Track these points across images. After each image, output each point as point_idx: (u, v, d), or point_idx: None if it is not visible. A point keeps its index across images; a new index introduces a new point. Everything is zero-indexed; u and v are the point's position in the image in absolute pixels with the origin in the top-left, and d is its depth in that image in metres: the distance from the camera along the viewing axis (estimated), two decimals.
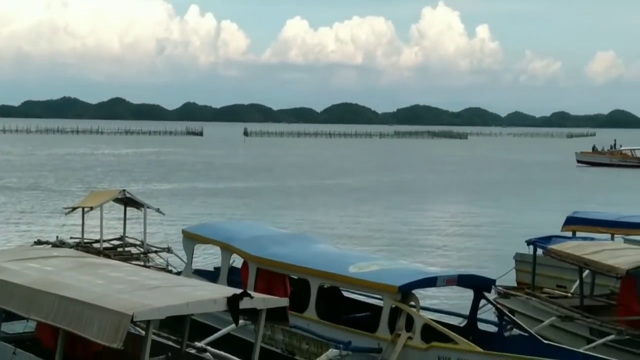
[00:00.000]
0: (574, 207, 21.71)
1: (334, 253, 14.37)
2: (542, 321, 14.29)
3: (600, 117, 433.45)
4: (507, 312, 13.26)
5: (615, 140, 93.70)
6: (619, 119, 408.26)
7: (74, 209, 21.42)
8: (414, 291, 12.12)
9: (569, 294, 15.84)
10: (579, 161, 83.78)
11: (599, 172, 73.02)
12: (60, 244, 20.05)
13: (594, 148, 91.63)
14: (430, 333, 11.69)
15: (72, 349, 9.59)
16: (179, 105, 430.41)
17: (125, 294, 8.65)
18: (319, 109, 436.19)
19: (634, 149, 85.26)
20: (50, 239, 21.44)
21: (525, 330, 12.39)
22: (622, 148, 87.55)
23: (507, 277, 17.60)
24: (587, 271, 14.79)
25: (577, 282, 15.06)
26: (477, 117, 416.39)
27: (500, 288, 15.71)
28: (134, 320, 8.03)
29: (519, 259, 18.66)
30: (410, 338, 11.63)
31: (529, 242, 15.82)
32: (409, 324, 11.76)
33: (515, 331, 12.75)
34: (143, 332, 9.03)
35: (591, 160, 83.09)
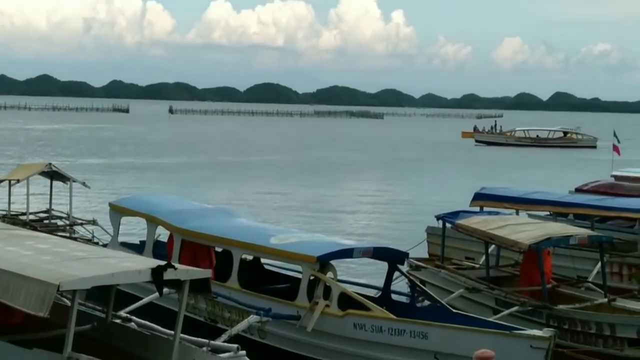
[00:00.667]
0: (482, 183, 22.20)
1: (255, 226, 14.65)
2: (451, 292, 14.63)
3: (507, 99, 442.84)
4: (418, 284, 13.61)
5: (495, 122, 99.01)
6: (524, 101, 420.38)
7: (0, 181, 21.39)
8: (332, 263, 12.51)
9: (477, 265, 16.31)
10: (477, 141, 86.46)
11: (498, 151, 75.35)
12: None
13: (475, 128, 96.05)
14: (346, 302, 12.10)
15: None
16: (106, 83, 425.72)
17: (52, 264, 8.71)
18: (242, 88, 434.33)
19: (528, 130, 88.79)
20: None
21: (436, 301, 12.80)
22: (506, 130, 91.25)
23: (419, 248, 18.11)
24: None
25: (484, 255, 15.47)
26: (392, 98, 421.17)
27: (413, 260, 15.99)
28: (60, 289, 8.11)
29: (430, 232, 19.07)
30: (327, 306, 12.01)
31: (438, 217, 16.09)
32: (327, 292, 12.14)
33: (427, 302, 13.19)
34: (69, 303, 9.08)
35: (488, 140, 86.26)
